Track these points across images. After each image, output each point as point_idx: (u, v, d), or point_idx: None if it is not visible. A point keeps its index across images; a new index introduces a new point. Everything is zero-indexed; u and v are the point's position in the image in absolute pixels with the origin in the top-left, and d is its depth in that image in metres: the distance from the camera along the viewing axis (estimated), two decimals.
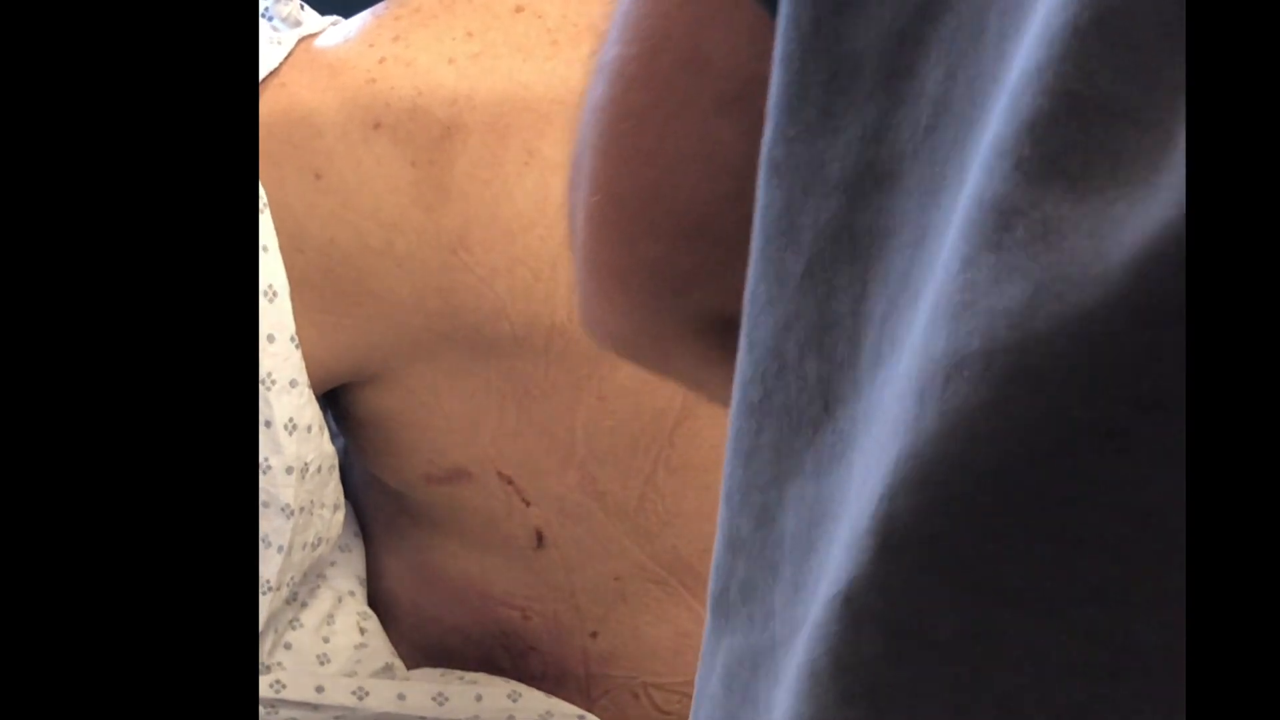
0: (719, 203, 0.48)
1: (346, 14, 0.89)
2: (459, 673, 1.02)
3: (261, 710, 0.96)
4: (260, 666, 0.97)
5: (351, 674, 0.99)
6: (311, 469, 0.90)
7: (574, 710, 1.02)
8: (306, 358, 0.88)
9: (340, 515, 0.97)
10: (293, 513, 0.90)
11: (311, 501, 0.91)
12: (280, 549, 0.91)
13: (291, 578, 0.93)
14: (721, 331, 0.49)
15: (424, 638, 1.05)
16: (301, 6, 0.92)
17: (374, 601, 1.06)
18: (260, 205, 0.85)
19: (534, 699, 1.01)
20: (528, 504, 0.94)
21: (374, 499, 1.05)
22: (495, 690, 1.00)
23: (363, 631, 1.01)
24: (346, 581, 1.05)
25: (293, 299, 0.86)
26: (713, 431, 0.93)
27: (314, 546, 0.94)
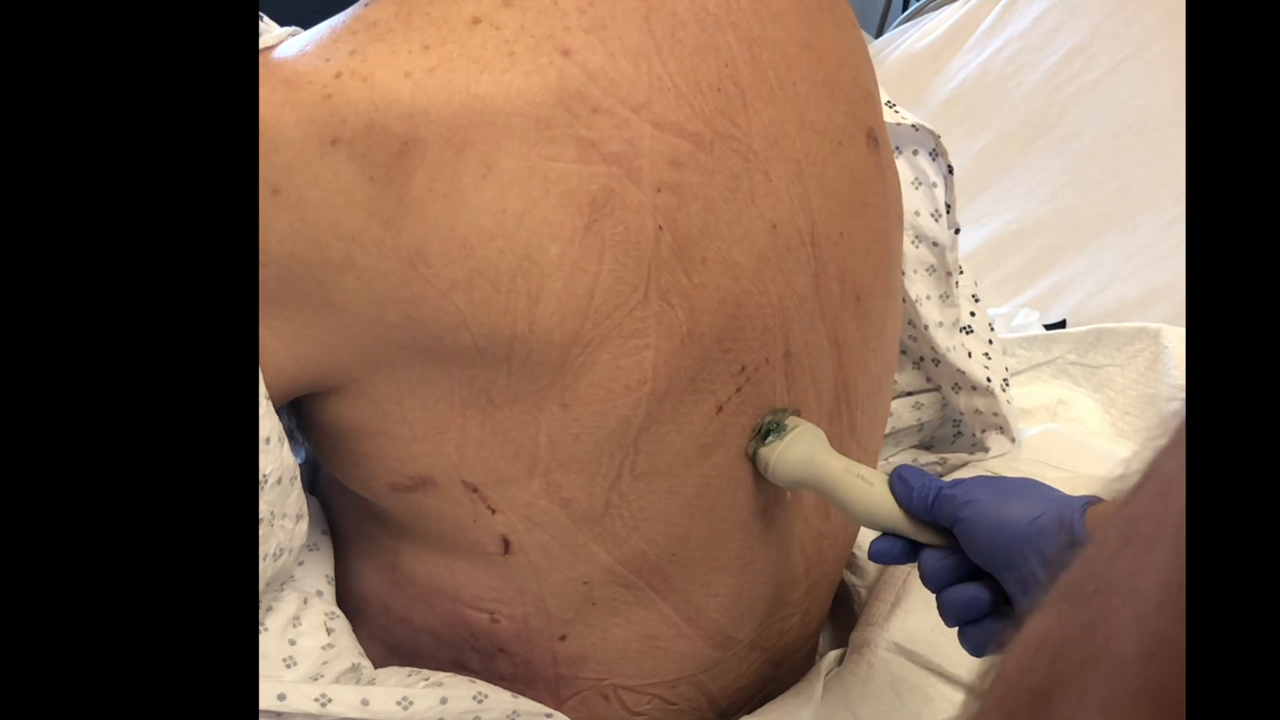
0: None
1: (306, 25, 0.86)
2: (425, 673, 1.02)
3: None
4: None
5: (317, 677, 0.97)
6: (271, 480, 0.88)
7: (541, 709, 1.01)
8: (268, 369, 0.87)
9: (304, 524, 0.95)
10: None
11: (272, 513, 0.90)
12: None
13: None
14: None
15: (394, 638, 1.04)
16: (260, 17, 0.89)
17: (343, 601, 1.05)
18: None
19: (500, 699, 1.00)
20: (493, 511, 0.92)
21: (343, 500, 1.04)
22: (460, 692, 0.99)
23: (329, 632, 1.00)
24: (314, 581, 1.03)
25: None
26: (677, 437, 0.92)
27: (276, 557, 0.92)
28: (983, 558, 0.83)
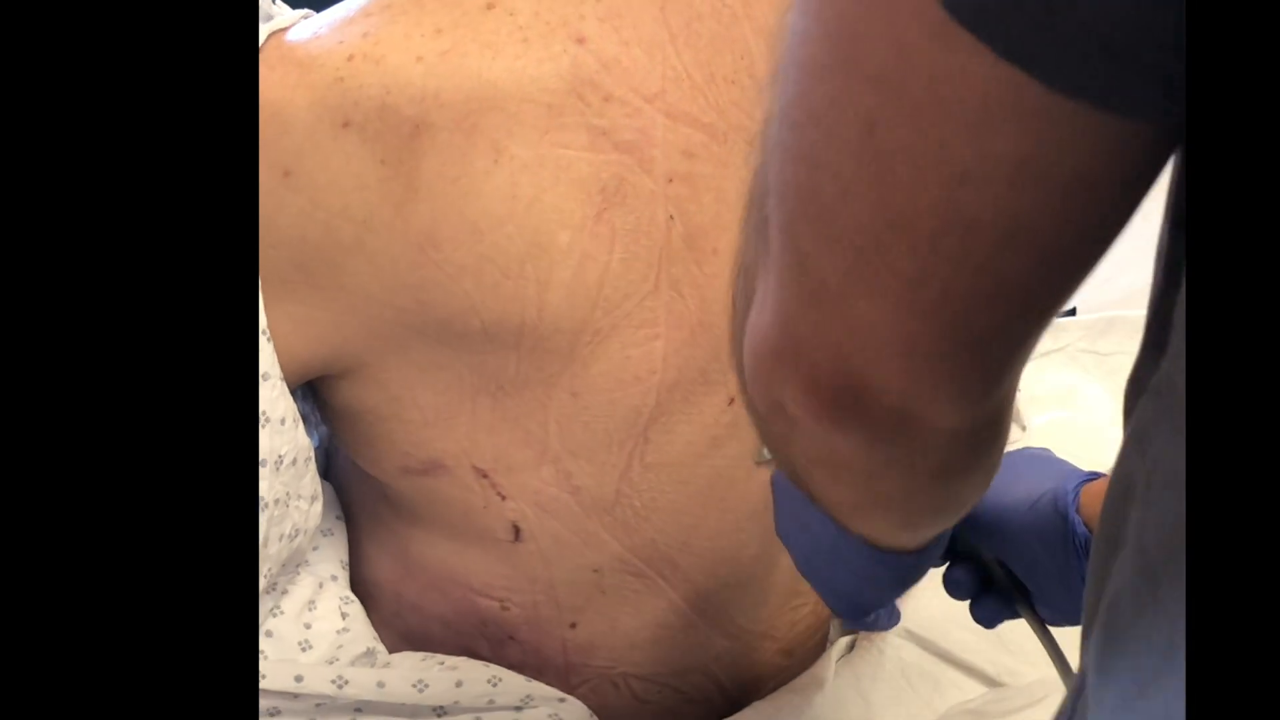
0: None
1: (319, 7, 0.83)
2: (439, 657, 1.00)
3: None
4: None
5: (333, 660, 0.95)
6: (286, 461, 0.86)
7: (554, 693, 0.99)
8: (280, 351, 0.85)
9: (318, 506, 0.93)
10: (267, 505, 0.87)
11: (288, 494, 0.88)
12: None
13: (269, 569, 0.90)
14: None
15: (405, 625, 1.02)
16: (274, 0, 0.86)
17: (356, 587, 1.04)
18: None
19: (514, 683, 0.98)
20: (503, 498, 0.90)
21: (357, 485, 1.03)
22: (475, 675, 0.97)
23: (344, 616, 0.98)
24: (329, 566, 1.01)
25: (265, 293, 0.84)
26: (688, 428, 0.90)
27: (291, 538, 0.90)
28: (987, 546, 0.80)
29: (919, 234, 0.40)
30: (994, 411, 0.49)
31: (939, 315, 0.42)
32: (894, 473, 0.52)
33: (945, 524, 0.67)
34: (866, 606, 0.76)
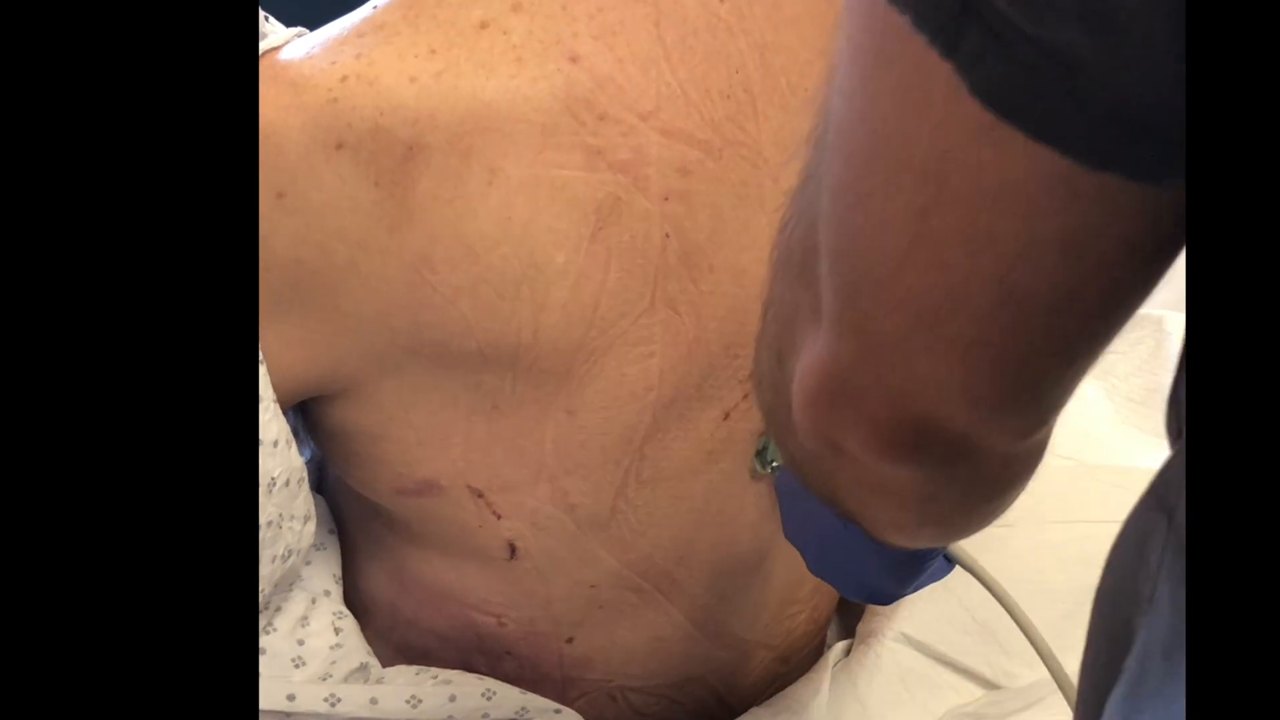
0: None
1: (312, 25, 0.82)
2: (433, 671, 0.99)
3: None
4: None
5: (326, 676, 0.94)
6: (279, 483, 0.85)
7: (549, 704, 0.98)
8: (273, 372, 0.84)
9: (311, 525, 0.93)
10: (260, 528, 0.85)
11: (280, 515, 0.87)
12: None
13: (263, 590, 0.90)
14: None
15: (400, 639, 1.01)
16: (266, 18, 0.85)
17: (350, 601, 1.03)
18: None
19: (509, 696, 0.97)
20: (499, 517, 0.89)
21: (351, 500, 1.01)
22: (469, 689, 0.96)
23: (338, 631, 0.98)
24: (322, 581, 1.00)
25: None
26: (683, 444, 0.89)
27: (285, 559, 0.89)
28: None
29: (976, 307, 0.42)
30: (1048, 432, 0.52)
31: (999, 370, 0.44)
32: (950, 494, 0.53)
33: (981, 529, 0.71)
34: (889, 593, 0.77)
